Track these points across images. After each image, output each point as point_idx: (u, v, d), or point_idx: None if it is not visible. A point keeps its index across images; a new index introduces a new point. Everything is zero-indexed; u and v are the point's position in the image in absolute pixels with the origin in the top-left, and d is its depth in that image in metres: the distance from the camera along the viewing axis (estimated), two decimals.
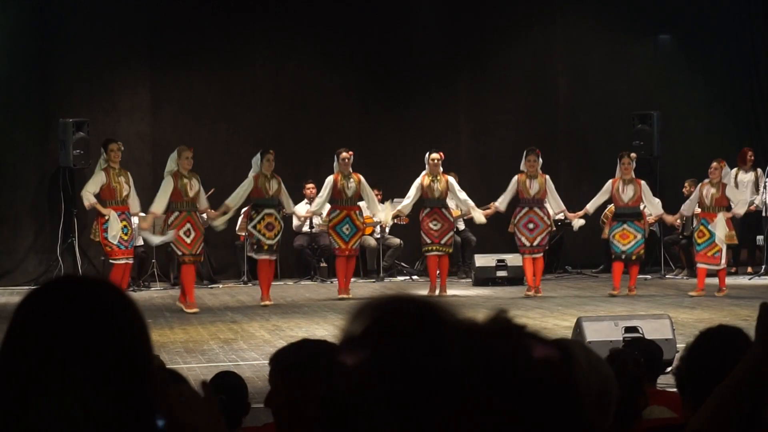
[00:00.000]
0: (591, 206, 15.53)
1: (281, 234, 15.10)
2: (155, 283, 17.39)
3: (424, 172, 15.62)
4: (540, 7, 20.06)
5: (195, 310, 14.17)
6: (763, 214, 18.05)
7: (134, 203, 14.97)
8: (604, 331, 8.71)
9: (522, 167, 15.55)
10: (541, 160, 15.53)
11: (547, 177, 15.52)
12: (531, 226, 15.34)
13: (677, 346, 8.28)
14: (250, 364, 10.06)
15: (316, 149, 18.18)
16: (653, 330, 8.67)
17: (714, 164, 15.48)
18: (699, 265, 15.34)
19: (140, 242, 17.66)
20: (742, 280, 17.40)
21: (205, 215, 15.00)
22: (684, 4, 20.01)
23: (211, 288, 17.47)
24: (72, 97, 18.07)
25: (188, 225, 14.57)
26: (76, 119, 17.40)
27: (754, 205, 18.38)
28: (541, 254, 15.54)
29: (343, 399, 1.33)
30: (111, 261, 14.82)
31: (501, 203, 15.56)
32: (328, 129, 18.47)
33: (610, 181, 15.53)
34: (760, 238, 18.35)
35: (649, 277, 17.82)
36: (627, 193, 15.37)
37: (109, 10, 18.22)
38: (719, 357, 2.81)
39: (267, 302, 14.73)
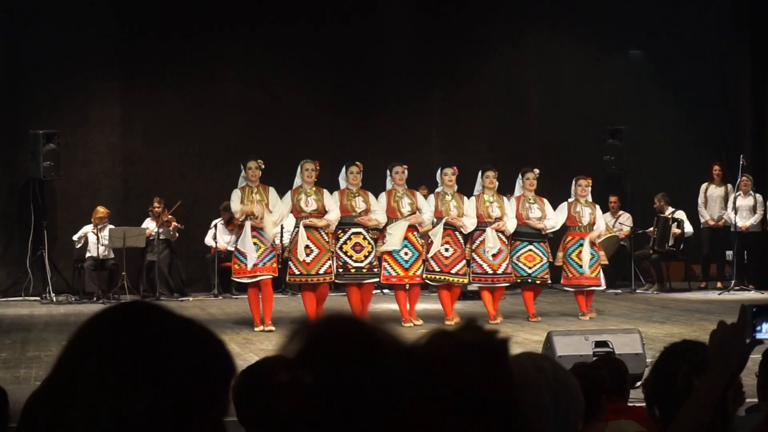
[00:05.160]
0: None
1: (374, 255, 13.77)
2: (125, 295, 17.31)
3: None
4: (512, 22, 20.13)
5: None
6: (732, 229, 18.15)
7: (274, 215, 13.69)
8: (574, 345, 8.71)
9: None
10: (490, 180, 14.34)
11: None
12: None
13: (647, 360, 8.30)
14: None
15: (287, 163, 18.14)
16: (623, 344, 8.68)
17: (583, 182, 14.78)
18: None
19: (111, 254, 17.63)
20: (712, 295, 17.47)
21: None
22: (654, 19, 20.13)
23: (181, 301, 17.42)
24: (43, 109, 18.00)
25: (308, 242, 13.52)
26: (47, 131, 17.33)
27: (723, 220, 18.51)
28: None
29: (280, 418, 1.34)
30: (236, 278, 14.07)
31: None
32: (300, 142, 18.43)
33: (514, 198, 14.46)
34: (729, 253, 18.45)
35: (619, 291, 17.87)
36: (534, 212, 14.26)
37: (81, 23, 18.18)
38: (683, 372, 2.84)
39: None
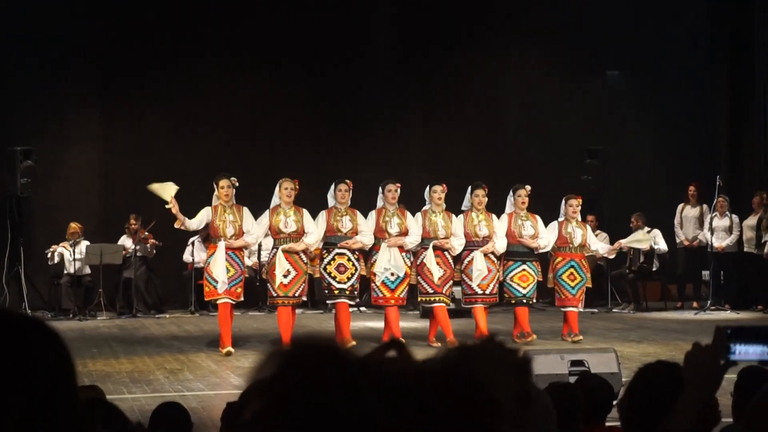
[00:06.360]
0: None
1: (356, 278, 13.39)
2: (101, 312, 17.24)
3: (425, 207, 13.74)
4: (492, 43, 20.21)
5: None
6: (709, 249, 18.22)
7: (248, 237, 13.27)
8: (550, 364, 8.71)
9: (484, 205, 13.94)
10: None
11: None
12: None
13: (623, 380, 8.32)
14: (196, 395, 9.99)
15: (269, 180, 18.12)
16: (599, 364, 8.69)
17: (573, 202, 14.39)
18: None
19: (87, 270, 17.57)
20: (688, 315, 17.51)
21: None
22: (633, 41, 20.24)
23: (158, 318, 17.36)
24: (21, 126, 17.95)
25: (286, 264, 13.03)
26: (24, 147, 17.27)
27: (698, 240, 18.58)
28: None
29: None
30: (207, 300, 13.46)
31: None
32: (280, 161, 18.43)
33: (506, 215, 14.06)
34: (705, 273, 18.51)
35: (596, 310, 17.90)
36: (527, 230, 13.90)
37: (61, 38, 18.16)
38: (658, 392, 2.85)
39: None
